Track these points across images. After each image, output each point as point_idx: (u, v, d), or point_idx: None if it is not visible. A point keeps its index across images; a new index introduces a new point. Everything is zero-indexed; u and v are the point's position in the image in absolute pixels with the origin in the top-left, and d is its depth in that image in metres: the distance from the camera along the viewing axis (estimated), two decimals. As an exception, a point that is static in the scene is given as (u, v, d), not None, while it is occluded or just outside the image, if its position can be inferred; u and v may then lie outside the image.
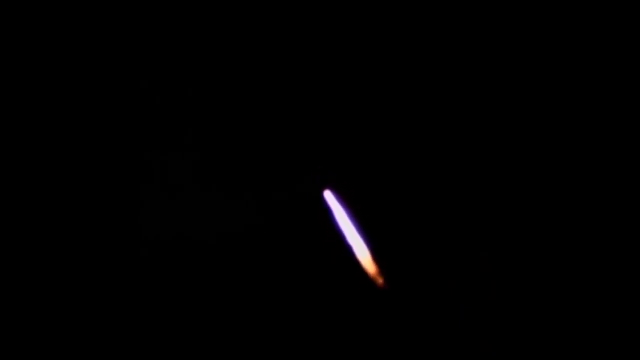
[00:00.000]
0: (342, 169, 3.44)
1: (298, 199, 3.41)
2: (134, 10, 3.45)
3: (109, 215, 3.40)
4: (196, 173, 3.44)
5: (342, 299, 3.37)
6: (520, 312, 3.35)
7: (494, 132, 3.45)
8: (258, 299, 3.40)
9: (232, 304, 3.39)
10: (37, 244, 3.37)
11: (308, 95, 3.47)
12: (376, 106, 3.46)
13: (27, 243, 3.38)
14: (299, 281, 3.40)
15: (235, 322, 3.38)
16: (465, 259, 3.37)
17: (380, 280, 3.33)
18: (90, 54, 3.45)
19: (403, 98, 3.46)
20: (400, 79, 3.47)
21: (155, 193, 3.43)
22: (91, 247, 3.39)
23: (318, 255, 3.39)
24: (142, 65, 3.46)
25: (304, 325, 3.37)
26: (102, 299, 3.37)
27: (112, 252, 3.39)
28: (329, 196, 3.37)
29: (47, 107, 3.42)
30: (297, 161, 3.45)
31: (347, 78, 3.47)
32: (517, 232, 3.40)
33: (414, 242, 3.40)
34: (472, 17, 3.47)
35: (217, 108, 3.47)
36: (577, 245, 3.37)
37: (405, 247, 3.40)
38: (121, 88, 3.44)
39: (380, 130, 3.46)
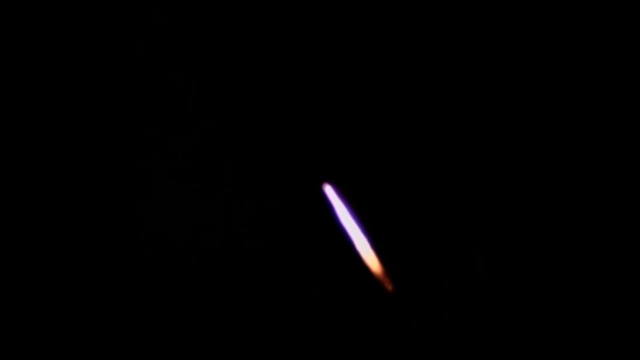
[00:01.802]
0: (343, 165, 3.44)
1: (300, 194, 3.41)
2: (134, 10, 3.44)
3: (109, 218, 3.40)
4: (197, 169, 3.44)
5: (345, 296, 3.37)
6: (520, 313, 3.35)
7: (501, 127, 3.45)
8: (259, 295, 3.40)
9: (233, 303, 3.39)
10: (37, 245, 3.37)
11: (309, 91, 3.47)
12: (378, 103, 3.46)
13: (26, 243, 3.37)
14: (301, 278, 3.40)
15: (237, 323, 3.38)
16: (466, 258, 3.38)
17: (383, 278, 3.34)
18: (90, 54, 3.44)
19: (405, 96, 3.46)
20: (400, 76, 3.47)
21: (155, 194, 3.43)
22: (91, 248, 3.39)
23: (320, 252, 3.39)
24: (142, 65, 3.45)
25: (307, 323, 3.37)
26: (101, 300, 3.37)
27: (112, 254, 3.39)
28: (330, 191, 3.37)
29: (46, 108, 3.42)
30: (299, 157, 3.45)
31: (347, 75, 3.47)
32: (517, 233, 3.40)
33: (417, 238, 3.40)
34: (472, 17, 3.47)
35: (218, 105, 3.47)
36: (578, 246, 3.37)
37: (407, 243, 3.40)
38: (121, 88, 3.44)
39: (382, 127, 3.46)
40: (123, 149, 3.43)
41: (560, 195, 3.41)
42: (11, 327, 3.32)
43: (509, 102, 3.45)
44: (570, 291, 3.35)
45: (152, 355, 3.37)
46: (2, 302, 3.33)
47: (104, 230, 3.39)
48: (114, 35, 3.44)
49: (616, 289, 3.34)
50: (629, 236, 3.36)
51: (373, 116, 3.46)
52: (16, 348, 3.32)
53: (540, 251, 3.38)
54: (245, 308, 3.39)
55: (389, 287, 3.34)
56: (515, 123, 3.45)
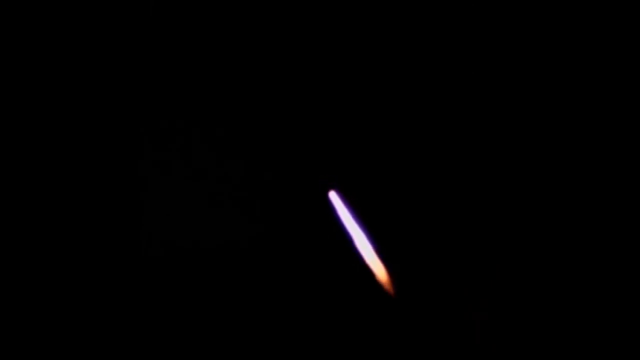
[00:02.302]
0: (347, 170, 3.44)
1: (303, 200, 3.42)
2: (134, 11, 3.45)
3: (111, 223, 3.40)
4: (200, 174, 3.45)
5: (349, 300, 3.38)
6: (520, 313, 3.36)
7: (501, 129, 3.45)
8: (263, 299, 3.40)
9: (236, 308, 3.39)
10: (38, 247, 3.38)
11: (312, 95, 3.47)
12: (381, 107, 3.47)
13: (27, 245, 3.38)
14: (305, 283, 3.40)
15: (239, 327, 3.38)
16: (469, 259, 3.38)
17: (387, 282, 3.34)
18: (90, 54, 3.44)
19: (408, 99, 3.46)
20: (402, 78, 3.47)
21: (157, 196, 3.43)
22: (91, 248, 3.39)
23: (324, 257, 3.39)
24: (143, 66, 3.45)
25: (311, 327, 3.38)
26: (101, 300, 3.38)
27: (112, 254, 3.39)
28: (333, 197, 3.37)
29: (47, 109, 3.42)
30: (301, 162, 3.45)
31: (350, 78, 3.47)
32: (518, 233, 3.40)
33: (420, 242, 3.40)
34: (472, 17, 3.47)
35: (221, 108, 3.47)
36: (577, 246, 3.38)
37: (411, 247, 3.40)
38: (122, 89, 3.44)
39: (385, 130, 3.46)
40: (123, 149, 3.43)
41: (559, 197, 3.41)
42: (11, 327, 3.33)
43: (512, 104, 3.46)
44: (570, 291, 3.35)
45: (153, 356, 3.38)
46: (2, 302, 3.34)
47: (104, 231, 3.40)
48: (114, 35, 3.45)
49: (616, 292, 3.35)
50: (629, 236, 3.37)
51: (377, 123, 3.46)
52: (16, 348, 3.32)
53: (540, 252, 3.39)
54: (248, 311, 3.39)
55: (392, 290, 3.34)
56: (516, 125, 3.45)
